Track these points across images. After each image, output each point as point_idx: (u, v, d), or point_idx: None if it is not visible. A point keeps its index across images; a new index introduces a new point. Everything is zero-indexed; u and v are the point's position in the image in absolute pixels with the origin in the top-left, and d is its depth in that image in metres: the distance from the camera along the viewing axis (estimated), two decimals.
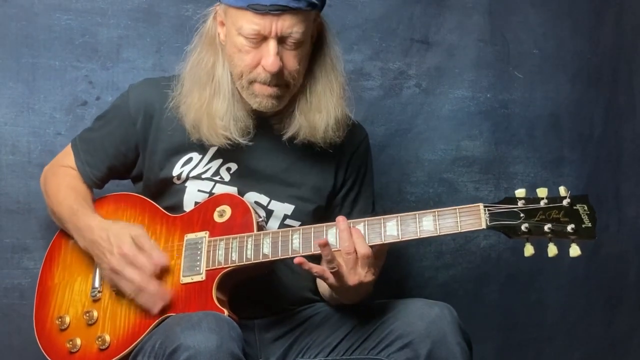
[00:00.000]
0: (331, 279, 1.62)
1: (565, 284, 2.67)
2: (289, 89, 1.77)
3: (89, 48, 2.22)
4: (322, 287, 1.88)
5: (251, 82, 1.74)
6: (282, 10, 1.66)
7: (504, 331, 2.63)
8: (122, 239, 1.71)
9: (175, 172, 1.85)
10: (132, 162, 1.92)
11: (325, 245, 1.57)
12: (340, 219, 1.63)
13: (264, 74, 1.72)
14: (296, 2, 1.67)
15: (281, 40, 1.70)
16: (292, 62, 1.73)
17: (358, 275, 1.61)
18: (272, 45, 1.69)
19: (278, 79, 1.72)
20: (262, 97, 1.75)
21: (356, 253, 1.60)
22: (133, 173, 1.94)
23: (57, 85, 2.19)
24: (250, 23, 1.67)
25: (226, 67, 1.78)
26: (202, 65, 1.79)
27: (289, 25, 1.68)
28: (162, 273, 1.72)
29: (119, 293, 1.77)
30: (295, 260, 1.59)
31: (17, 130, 2.15)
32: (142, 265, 1.69)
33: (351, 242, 1.60)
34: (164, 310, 1.70)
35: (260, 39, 1.70)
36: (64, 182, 1.91)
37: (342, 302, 1.78)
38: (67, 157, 1.95)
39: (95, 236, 1.75)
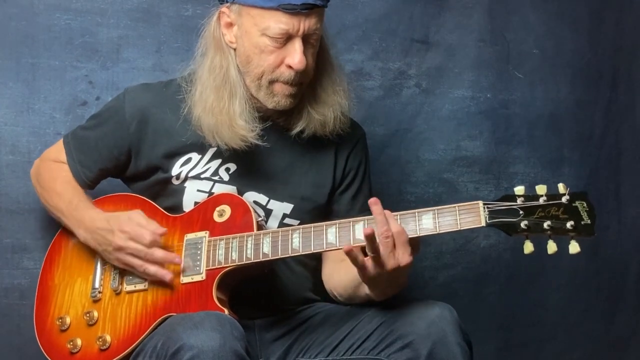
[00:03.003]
0: (371, 267, 1.58)
1: (565, 284, 2.67)
2: (302, 86, 1.79)
3: (89, 48, 2.22)
4: (344, 285, 1.82)
5: (272, 82, 1.76)
6: (311, 8, 1.69)
7: (504, 331, 2.63)
8: (120, 219, 1.75)
9: (174, 172, 1.85)
10: (124, 165, 1.92)
11: (371, 235, 1.54)
12: (373, 201, 1.59)
13: (287, 72, 1.74)
14: (321, 0, 1.71)
15: (305, 38, 1.72)
16: (310, 59, 1.76)
17: (396, 258, 1.57)
18: (298, 44, 1.72)
19: (300, 77, 1.75)
20: (280, 97, 1.77)
21: (393, 236, 1.58)
22: (126, 174, 1.94)
23: (57, 85, 2.19)
24: (279, 23, 1.69)
25: (237, 69, 1.79)
26: (216, 70, 1.79)
27: (315, 23, 1.72)
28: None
29: (119, 293, 1.78)
30: (345, 249, 1.55)
31: (17, 130, 2.15)
32: (142, 236, 1.71)
33: (388, 225, 1.57)
34: (164, 310, 1.71)
35: (286, 39, 1.71)
36: (60, 177, 1.92)
37: (376, 298, 1.70)
38: (59, 153, 1.95)
39: (96, 224, 1.78)
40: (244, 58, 1.77)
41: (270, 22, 1.70)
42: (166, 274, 1.70)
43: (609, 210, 2.72)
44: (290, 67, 1.73)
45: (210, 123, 1.77)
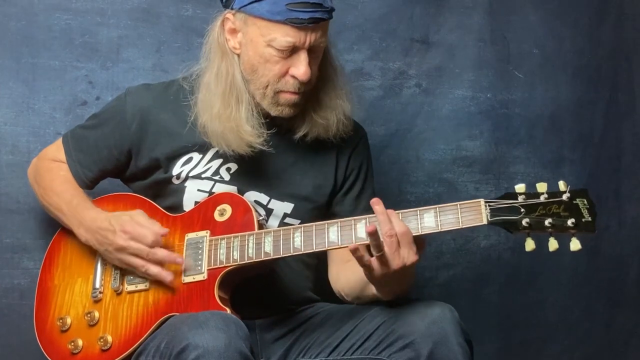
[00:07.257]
0: (377, 266, 1.58)
1: (565, 284, 2.67)
2: (305, 94, 1.79)
3: (89, 48, 2.22)
4: (351, 285, 1.83)
5: (277, 92, 1.76)
6: (317, 22, 1.71)
7: (504, 331, 2.63)
8: (122, 219, 1.75)
9: (175, 172, 1.85)
10: (123, 165, 1.91)
11: (374, 232, 1.54)
12: (375, 201, 1.61)
13: (292, 82, 1.74)
14: (327, 14, 1.74)
15: (310, 50, 1.73)
16: (314, 68, 1.77)
17: (401, 257, 1.58)
18: (304, 56, 1.73)
19: (305, 86, 1.76)
20: (284, 106, 1.78)
21: (397, 235, 1.58)
22: (126, 174, 1.94)
23: (57, 85, 2.19)
24: (286, 36, 1.70)
25: (241, 74, 1.79)
26: (221, 77, 1.79)
27: (320, 36, 1.74)
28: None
29: (120, 293, 1.78)
30: (351, 248, 1.56)
31: (17, 130, 2.15)
32: (144, 236, 1.71)
33: (391, 224, 1.58)
34: (166, 309, 1.71)
35: (291, 50, 1.72)
36: (59, 176, 1.92)
37: (383, 297, 1.71)
38: (59, 152, 1.95)
39: (98, 224, 1.77)
40: (248, 66, 1.77)
41: (277, 34, 1.71)
42: (167, 275, 1.70)
43: (609, 210, 2.72)
44: (294, 77, 1.74)
45: (217, 130, 1.77)
